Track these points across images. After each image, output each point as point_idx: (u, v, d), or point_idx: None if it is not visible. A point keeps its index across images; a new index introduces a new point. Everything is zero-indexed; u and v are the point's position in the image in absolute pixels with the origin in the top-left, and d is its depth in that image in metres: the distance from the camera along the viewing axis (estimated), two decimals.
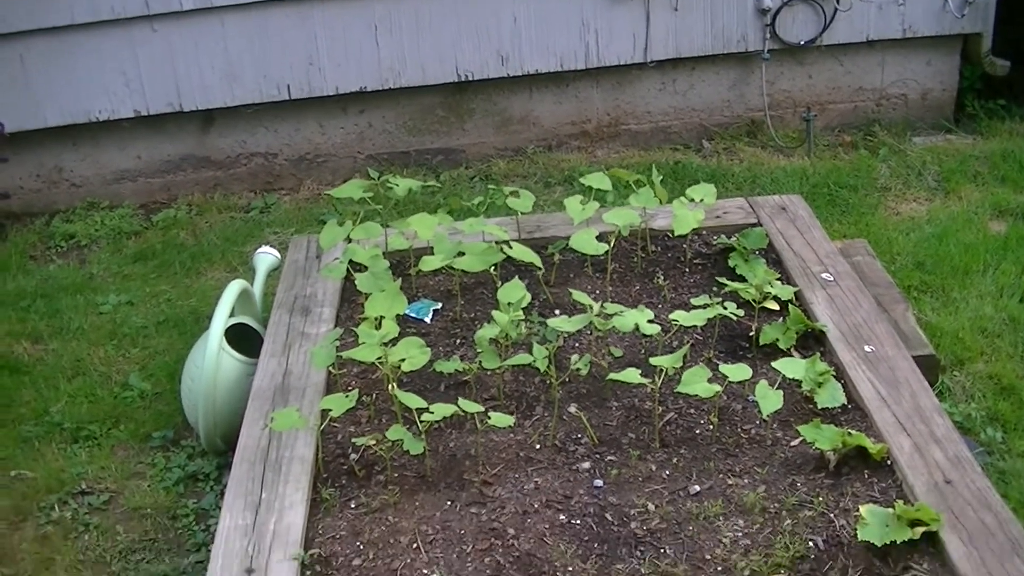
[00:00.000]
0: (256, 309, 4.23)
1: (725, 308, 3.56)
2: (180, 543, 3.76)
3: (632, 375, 3.27)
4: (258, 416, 3.41)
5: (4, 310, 5.09)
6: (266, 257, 4.43)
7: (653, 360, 3.33)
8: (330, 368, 3.56)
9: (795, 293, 3.81)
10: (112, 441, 4.24)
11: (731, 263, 4.03)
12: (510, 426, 3.26)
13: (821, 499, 3.05)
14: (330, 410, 3.22)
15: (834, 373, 3.42)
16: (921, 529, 2.84)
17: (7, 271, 5.46)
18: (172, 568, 3.64)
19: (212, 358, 3.81)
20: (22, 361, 4.73)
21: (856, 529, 2.88)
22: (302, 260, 4.28)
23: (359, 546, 2.99)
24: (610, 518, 3.03)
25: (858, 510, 2.94)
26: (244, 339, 4.00)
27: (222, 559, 2.93)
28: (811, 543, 2.91)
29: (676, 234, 4.04)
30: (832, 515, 2.99)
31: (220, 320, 3.84)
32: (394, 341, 3.35)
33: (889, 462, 3.14)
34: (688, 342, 3.60)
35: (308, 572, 2.90)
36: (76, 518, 3.89)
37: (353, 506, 3.12)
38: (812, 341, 3.64)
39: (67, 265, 5.54)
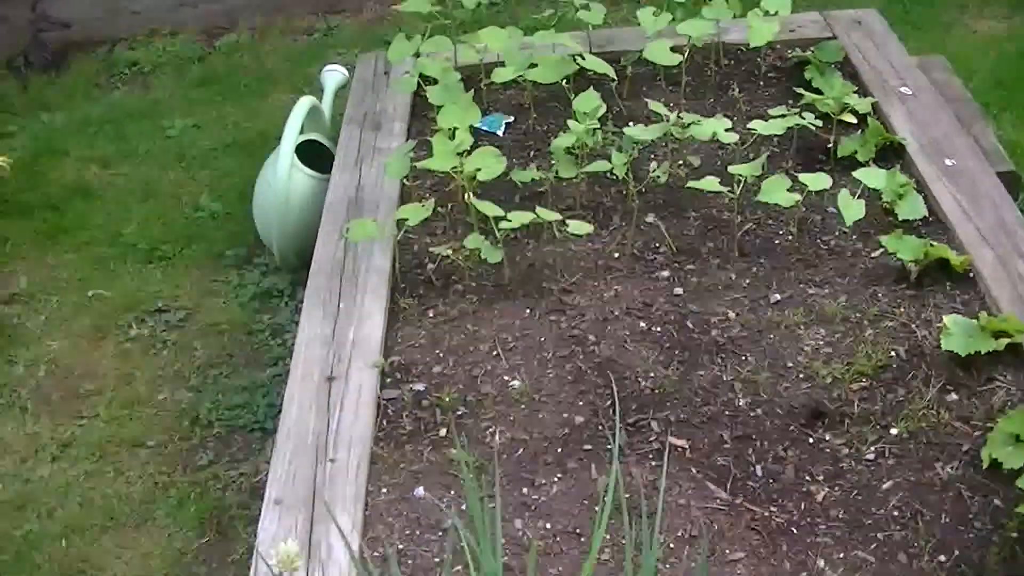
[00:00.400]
0: (325, 126, 4.19)
1: (803, 118, 3.48)
2: (257, 358, 3.80)
3: (711, 183, 3.23)
4: (333, 229, 3.41)
5: (73, 136, 5.09)
6: (334, 75, 4.38)
7: (732, 169, 3.28)
8: (403, 180, 3.54)
9: (873, 106, 3.73)
10: (185, 261, 4.27)
11: (807, 76, 3.94)
12: (588, 234, 3.23)
13: (902, 310, 3.03)
14: (406, 220, 3.20)
15: (915, 186, 3.37)
16: (1005, 340, 2.82)
17: (72, 99, 5.45)
18: (250, 382, 3.68)
19: (284, 173, 3.79)
20: (93, 185, 4.75)
21: (939, 340, 2.87)
22: (370, 77, 4.23)
23: (439, 354, 3.00)
24: (691, 325, 3.02)
25: (940, 321, 2.93)
26: (315, 156, 3.97)
27: (302, 368, 2.96)
28: (893, 353, 2.91)
29: (751, 47, 3.95)
30: (914, 326, 2.97)
31: (291, 135, 3.82)
32: (468, 152, 3.32)
33: (971, 274, 3.11)
34: (766, 152, 3.54)
35: (388, 379, 2.93)
36: (154, 335, 3.94)
37: (431, 315, 3.12)
38: (891, 155, 3.58)
39: (131, 92, 5.51)
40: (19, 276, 4.26)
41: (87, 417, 3.65)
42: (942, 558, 2.43)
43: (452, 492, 2.62)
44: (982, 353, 2.81)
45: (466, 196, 3.24)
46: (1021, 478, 2.46)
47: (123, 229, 4.44)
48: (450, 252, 3.19)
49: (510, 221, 3.12)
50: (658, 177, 3.41)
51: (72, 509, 3.34)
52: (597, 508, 2.56)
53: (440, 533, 2.54)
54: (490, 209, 3.14)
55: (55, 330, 4.01)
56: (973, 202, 3.33)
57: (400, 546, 2.51)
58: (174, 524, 3.28)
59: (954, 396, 2.78)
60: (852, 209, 3.17)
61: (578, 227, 3.14)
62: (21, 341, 3.95)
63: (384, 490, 2.65)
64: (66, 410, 3.68)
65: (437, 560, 2.48)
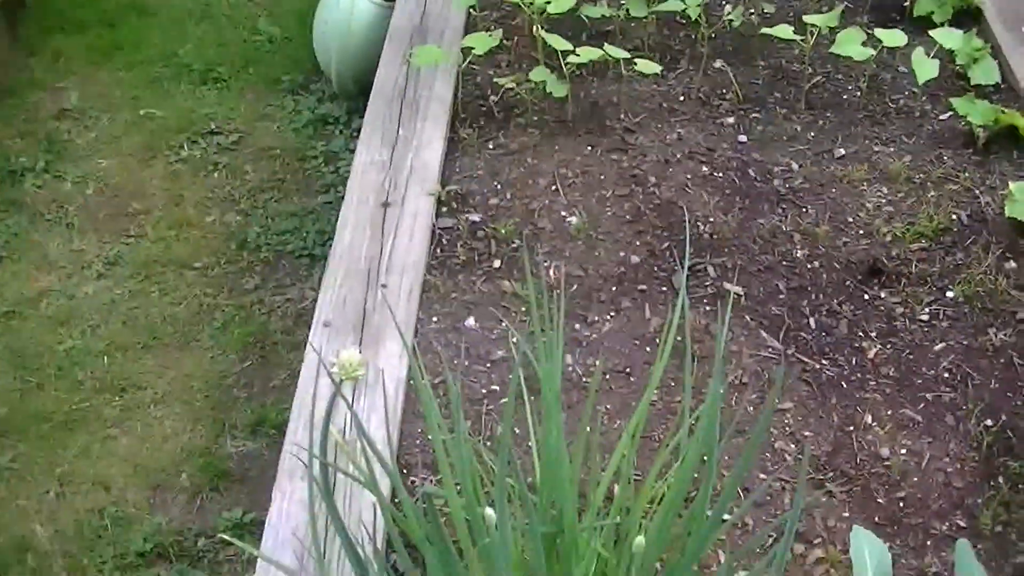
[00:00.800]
0: None
1: None
2: (309, 184, 3.77)
3: (785, 31, 3.16)
4: (395, 55, 3.36)
5: None
6: None
7: (807, 18, 3.21)
8: (470, 9, 3.48)
9: None
10: (241, 84, 4.20)
11: None
12: (655, 75, 3.19)
13: (967, 174, 2.98)
14: (472, 49, 3.15)
15: (990, 51, 3.29)
16: None
17: None
18: (300, 208, 3.66)
19: None
20: (149, 3, 4.66)
21: (1003, 206, 2.84)
22: None
23: (496, 186, 2.97)
24: (753, 173, 2.98)
25: (1005, 188, 2.89)
26: None
27: (358, 192, 2.93)
28: (955, 216, 2.87)
29: None
30: (978, 191, 2.93)
31: None
32: None
33: None
34: (841, 5, 3.46)
35: (444, 208, 2.90)
36: (205, 157, 3.90)
37: (491, 147, 3.09)
38: (968, 18, 3.50)
39: None
40: (70, 92, 4.21)
41: (134, 236, 3.63)
42: (989, 422, 2.43)
43: (503, 324, 2.61)
44: None
45: (534, 29, 3.18)
46: None
47: (178, 49, 4.38)
48: (514, 85, 3.14)
49: (578, 56, 3.06)
50: (731, 20, 3.34)
51: (115, 327, 3.34)
52: (649, 348, 2.56)
53: (488, 364, 2.54)
54: (558, 42, 3.08)
55: (105, 147, 3.98)
56: None
57: (449, 375, 2.50)
58: (217, 346, 3.28)
59: (1013, 264, 2.75)
60: (925, 68, 3.10)
61: (645, 66, 3.09)
62: (70, 157, 3.93)
63: (435, 319, 2.64)
64: (113, 228, 3.66)
65: (484, 391, 2.49)
